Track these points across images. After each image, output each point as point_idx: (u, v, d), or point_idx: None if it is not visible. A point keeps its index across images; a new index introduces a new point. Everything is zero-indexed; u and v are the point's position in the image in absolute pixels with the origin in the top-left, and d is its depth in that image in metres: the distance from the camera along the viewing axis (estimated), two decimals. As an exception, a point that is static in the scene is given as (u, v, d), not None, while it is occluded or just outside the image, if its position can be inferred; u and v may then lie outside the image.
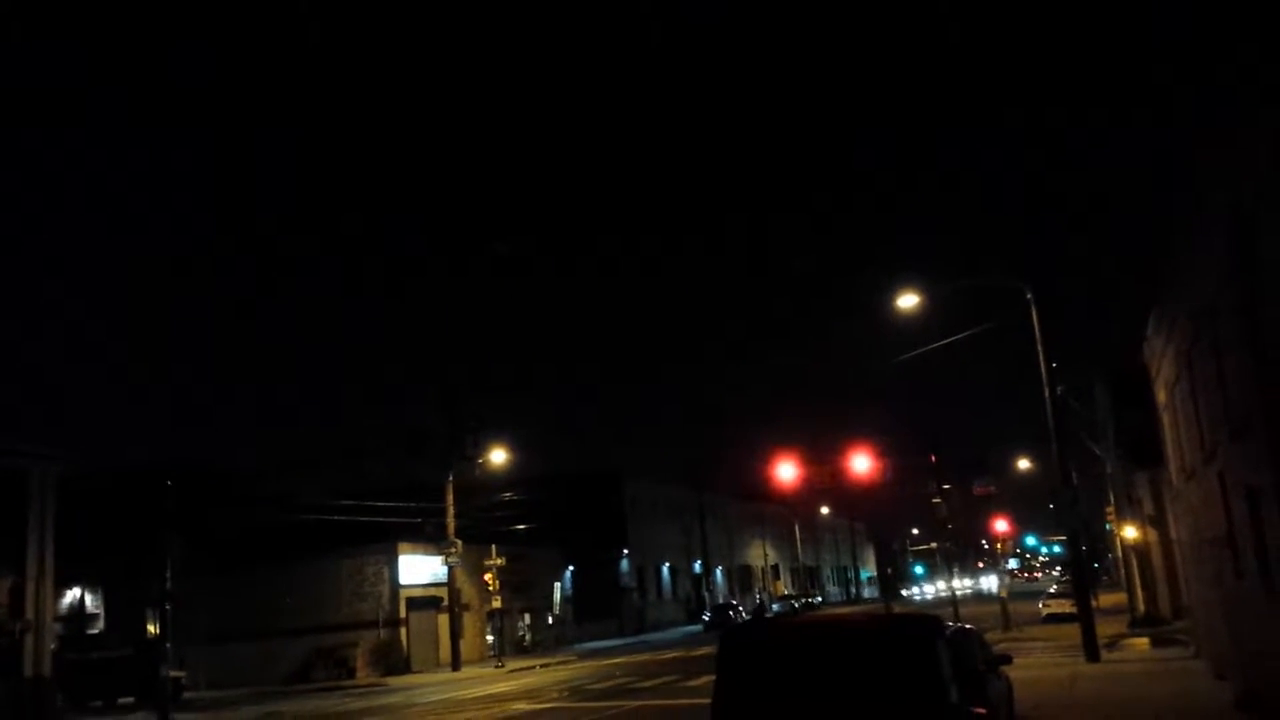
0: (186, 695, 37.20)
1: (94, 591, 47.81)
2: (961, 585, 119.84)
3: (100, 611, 47.87)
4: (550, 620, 59.96)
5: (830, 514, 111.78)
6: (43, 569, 33.95)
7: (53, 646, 34.74)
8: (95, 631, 46.70)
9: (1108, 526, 47.98)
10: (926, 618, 10.78)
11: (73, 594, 46.68)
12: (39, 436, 35.45)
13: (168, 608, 32.20)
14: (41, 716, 31.89)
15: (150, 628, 42.65)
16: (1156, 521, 37.04)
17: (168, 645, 31.82)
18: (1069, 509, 26.93)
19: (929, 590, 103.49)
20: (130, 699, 36.98)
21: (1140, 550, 41.92)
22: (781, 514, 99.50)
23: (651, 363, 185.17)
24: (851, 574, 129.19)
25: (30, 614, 32.80)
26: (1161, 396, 24.31)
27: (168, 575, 31.73)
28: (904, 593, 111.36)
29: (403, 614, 46.28)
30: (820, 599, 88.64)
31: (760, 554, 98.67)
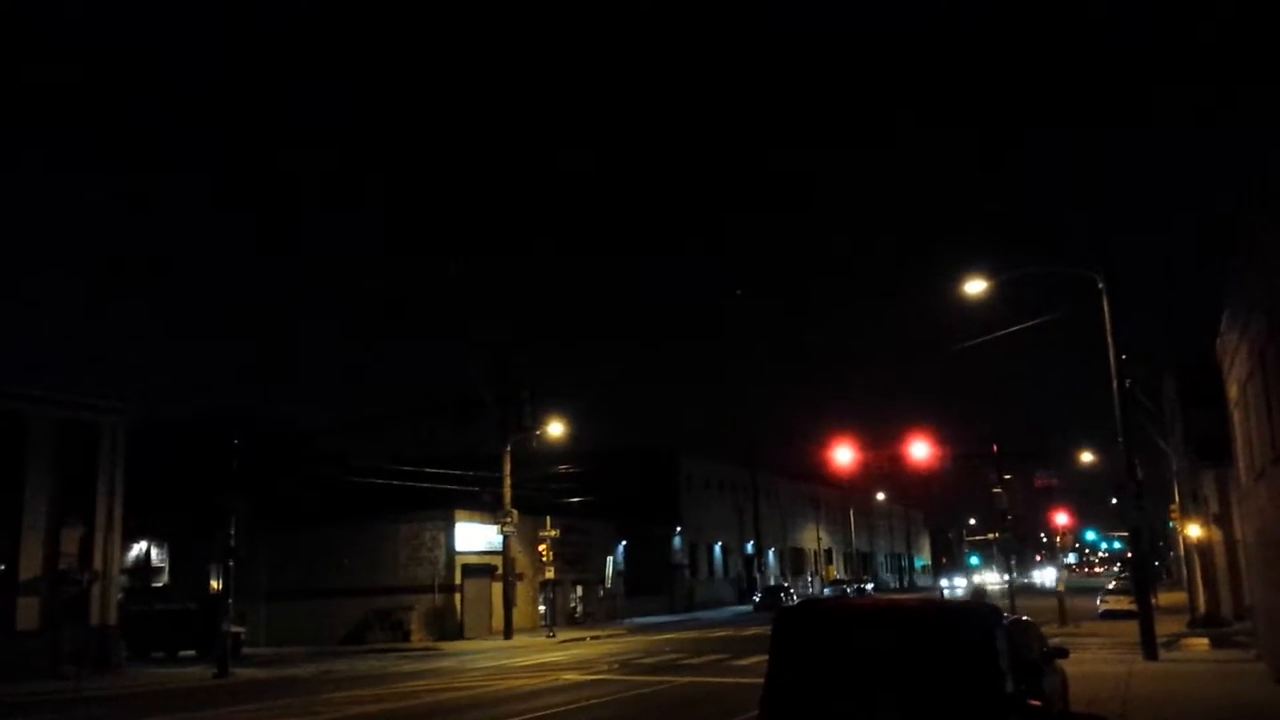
0: (245, 651, 38.03)
1: (159, 545, 48.98)
2: (1000, 579, 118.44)
3: (165, 565, 49.04)
4: (601, 593, 60.32)
5: (886, 500, 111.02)
6: (111, 521, 34.89)
7: (118, 598, 35.72)
8: (159, 585, 47.88)
9: (1170, 524, 47.09)
10: (985, 606, 10.68)
11: (139, 547, 47.86)
12: (107, 390, 36.32)
13: (230, 564, 32.94)
14: (106, 664, 32.82)
15: (213, 583, 43.62)
16: (1221, 520, 36.31)
17: (229, 601, 32.57)
18: (1133, 504, 26.45)
19: (959, 582, 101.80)
20: (191, 652, 37.91)
21: (1203, 549, 41.12)
22: (836, 498, 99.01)
23: (711, 341, 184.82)
24: (905, 561, 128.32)
25: (98, 565, 33.75)
26: (1233, 393, 23.79)
27: (231, 533, 32.44)
28: (943, 582, 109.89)
29: (458, 580, 46.85)
30: (872, 585, 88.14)
31: (814, 537, 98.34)
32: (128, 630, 36.36)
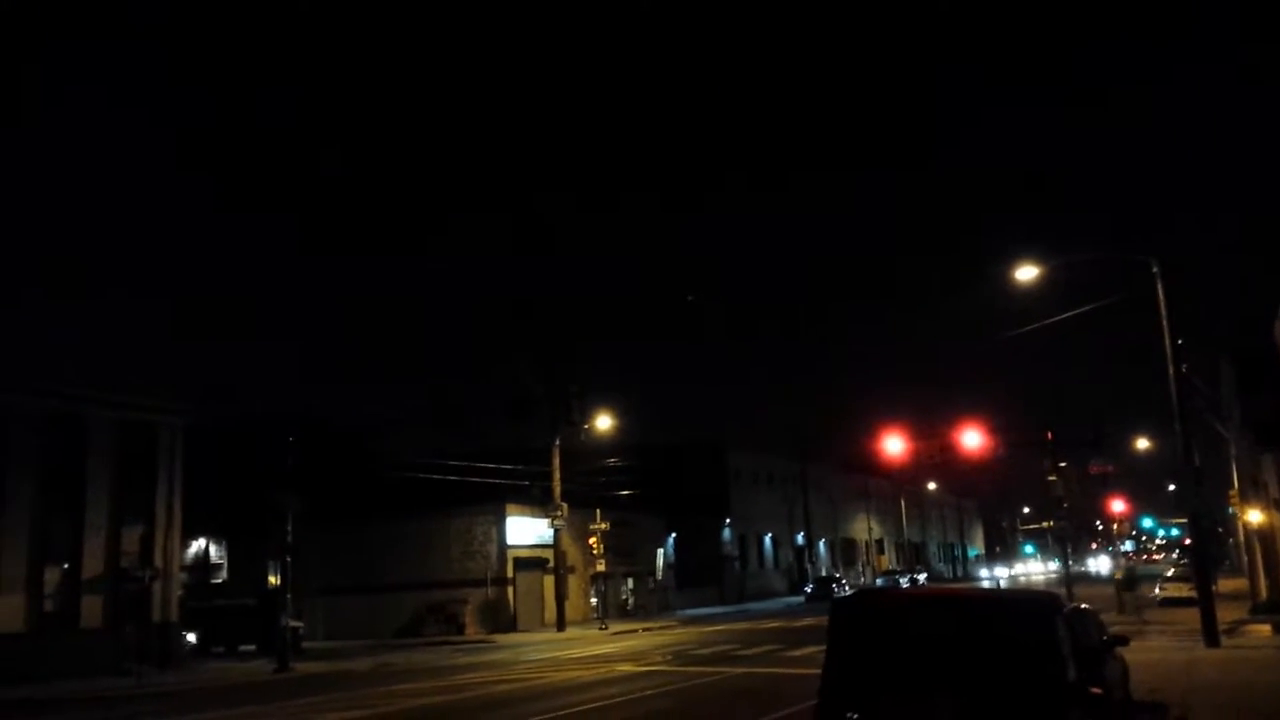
0: (304, 645, 38.58)
1: (218, 543, 49.81)
2: (1047, 569, 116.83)
3: (223, 562, 49.86)
4: (652, 586, 60.47)
5: (938, 489, 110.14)
6: (171, 519, 35.52)
7: (179, 594, 36.38)
8: (218, 581, 48.69)
9: (1230, 510, 46.31)
10: (1046, 594, 10.61)
11: (198, 545, 48.70)
12: (165, 391, 36.87)
13: (288, 560, 33.43)
14: (169, 660, 33.45)
15: (270, 579, 44.27)
16: (1283, 506, 35.67)
17: (288, 596, 33.06)
18: (1191, 490, 26.09)
19: (1000, 572, 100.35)
20: (251, 646, 38.51)
21: (1264, 535, 40.40)
22: (887, 488, 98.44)
23: (758, 332, 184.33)
24: (959, 551, 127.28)
25: (159, 562, 34.37)
26: (1294, 376, 23.37)
27: (288, 529, 32.90)
28: (982, 573, 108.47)
29: (510, 574, 47.22)
30: (925, 575, 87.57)
31: (864, 528, 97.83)
32: (188, 626, 37.02)
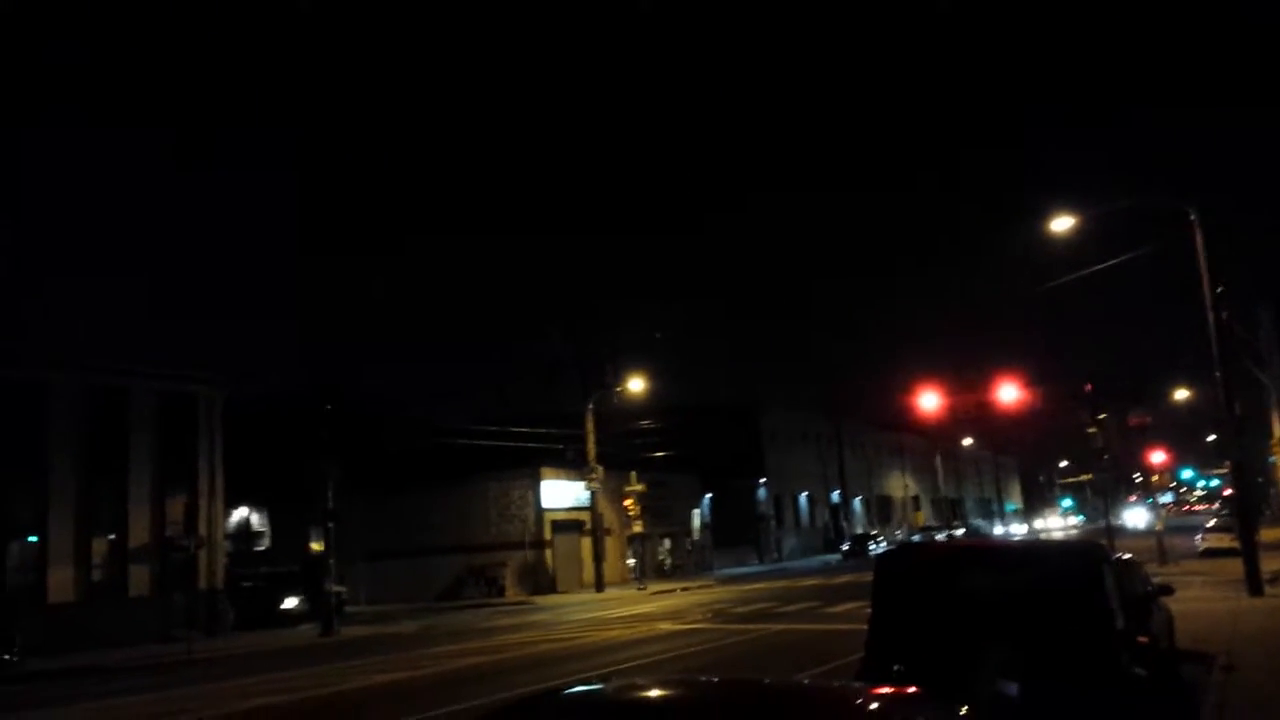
0: (348, 609, 39.13)
1: (260, 511, 50.45)
2: (1067, 522, 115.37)
3: (266, 530, 50.53)
4: (689, 546, 60.80)
5: (974, 445, 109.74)
6: (213, 489, 36.06)
7: (224, 562, 36.97)
8: (261, 548, 49.37)
9: (1271, 459, 45.82)
10: (1092, 544, 10.57)
11: (240, 513, 49.36)
12: (205, 362, 37.37)
13: (330, 526, 33.85)
14: (215, 626, 34.09)
15: (313, 545, 44.82)
16: (1326, 453, 35.28)
17: (331, 562, 33.51)
18: (1233, 439, 25.84)
19: (1018, 528, 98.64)
20: (296, 610, 39.01)
21: (1307, 484, 40.03)
22: (922, 444, 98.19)
23: (791, 290, 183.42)
24: (995, 506, 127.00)
25: (203, 531, 34.92)
26: (1338, 321, 23.04)
27: (330, 496, 33.30)
28: (997, 529, 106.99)
29: (547, 536, 47.61)
30: (962, 530, 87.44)
31: (900, 485, 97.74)
32: (233, 593, 37.62)
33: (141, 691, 19.67)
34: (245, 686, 19.35)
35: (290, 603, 38.02)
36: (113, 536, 33.19)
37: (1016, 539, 64.70)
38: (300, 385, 48.84)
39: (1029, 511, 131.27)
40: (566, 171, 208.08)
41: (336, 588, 34.10)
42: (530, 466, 47.94)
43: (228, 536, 41.53)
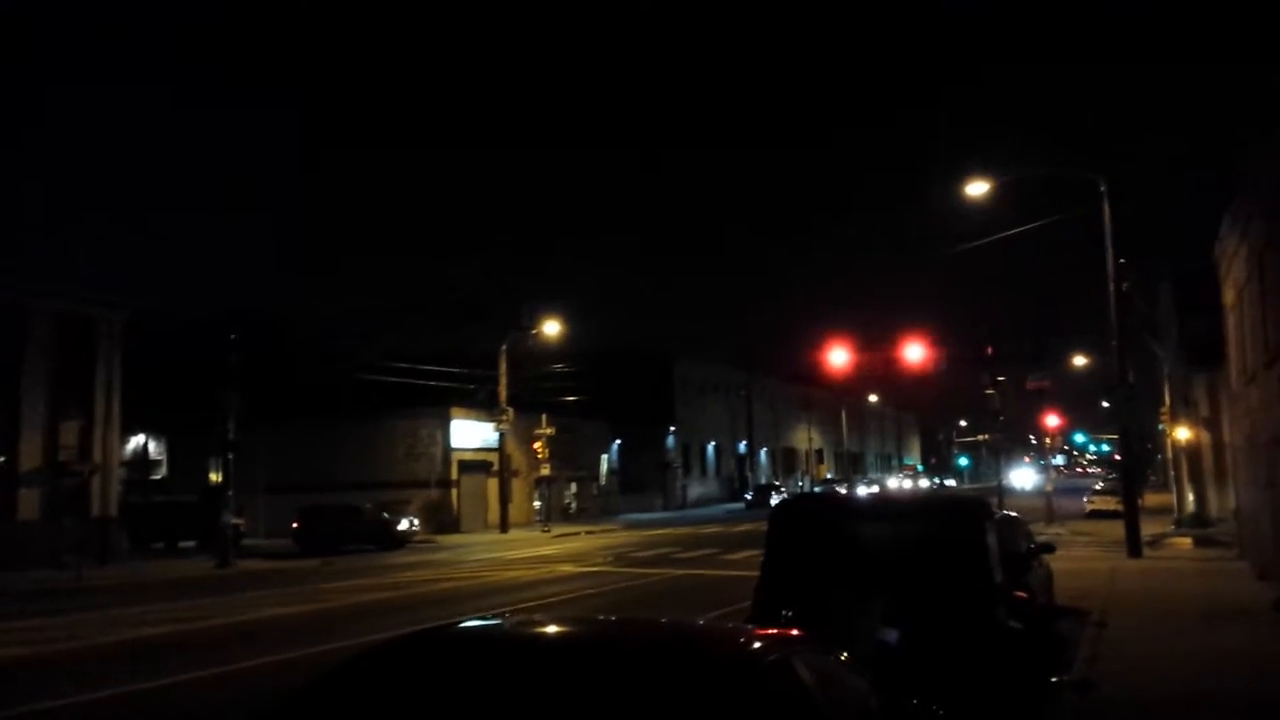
0: (245, 542, 38.64)
1: (158, 439, 49.42)
2: (934, 481, 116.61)
3: (163, 459, 49.55)
4: (596, 491, 61.23)
5: (879, 401, 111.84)
6: (109, 414, 35.12)
7: (118, 490, 36.13)
8: (158, 477, 48.44)
9: (1160, 427, 47.59)
10: (975, 500, 10.89)
11: (137, 440, 48.28)
12: (104, 285, 36.16)
13: (229, 458, 33.27)
14: (108, 554, 33.33)
15: (211, 476, 44.07)
16: (1210, 424, 36.75)
17: (229, 494, 32.96)
18: (1124, 406, 26.75)
19: (893, 484, 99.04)
20: (191, 543, 38.48)
21: (1191, 452, 41.68)
22: (829, 399, 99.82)
23: (706, 241, 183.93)
24: (895, 462, 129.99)
25: (97, 457, 34.08)
26: (1229, 298, 23.89)
27: (230, 427, 32.69)
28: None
29: (454, 476, 47.50)
30: (876, 486, 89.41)
31: (805, 437, 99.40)
32: (128, 521, 36.82)
33: (28, 617, 19.23)
34: (134, 615, 19.03)
35: (186, 533, 37.41)
36: (3, 459, 32.17)
37: (909, 492, 66.21)
38: (210, 312, 47.77)
39: (931, 469, 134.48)
40: (494, 104, 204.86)
41: (235, 520, 33.61)
42: (440, 405, 47.62)
43: (124, 464, 40.63)
